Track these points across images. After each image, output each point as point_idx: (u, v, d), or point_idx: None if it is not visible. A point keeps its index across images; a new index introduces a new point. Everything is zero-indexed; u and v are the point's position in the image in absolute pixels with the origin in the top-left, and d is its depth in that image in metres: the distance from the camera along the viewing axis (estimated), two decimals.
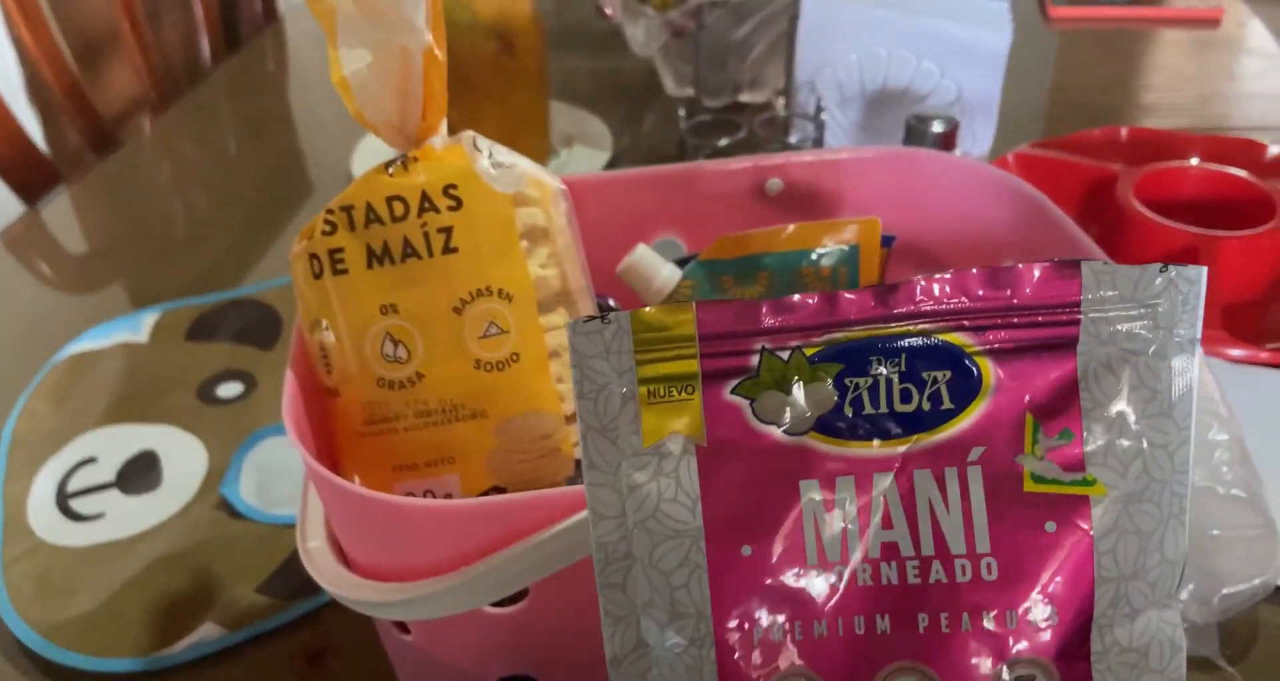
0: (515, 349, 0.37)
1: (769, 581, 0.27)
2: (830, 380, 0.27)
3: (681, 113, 0.81)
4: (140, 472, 0.57)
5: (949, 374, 0.28)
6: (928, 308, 0.28)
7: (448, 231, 0.36)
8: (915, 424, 0.28)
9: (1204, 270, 0.28)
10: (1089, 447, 0.27)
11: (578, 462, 0.38)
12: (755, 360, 0.28)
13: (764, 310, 0.28)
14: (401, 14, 0.34)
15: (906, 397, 0.28)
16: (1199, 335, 0.28)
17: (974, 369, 0.28)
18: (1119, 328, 0.27)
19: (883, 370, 0.28)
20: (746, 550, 0.27)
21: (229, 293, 0.72)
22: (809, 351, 0.28)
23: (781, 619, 0.27)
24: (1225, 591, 0.45)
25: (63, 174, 0.97)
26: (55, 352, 0.66)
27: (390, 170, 0.37)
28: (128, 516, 0.55)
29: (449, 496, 0.37)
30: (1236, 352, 0.61)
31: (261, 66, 1.12)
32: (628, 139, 0.89)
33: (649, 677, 0.28)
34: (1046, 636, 0.27)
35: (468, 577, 0.32)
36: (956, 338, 0.28)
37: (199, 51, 1.19)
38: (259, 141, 0.96)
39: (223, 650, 0.47)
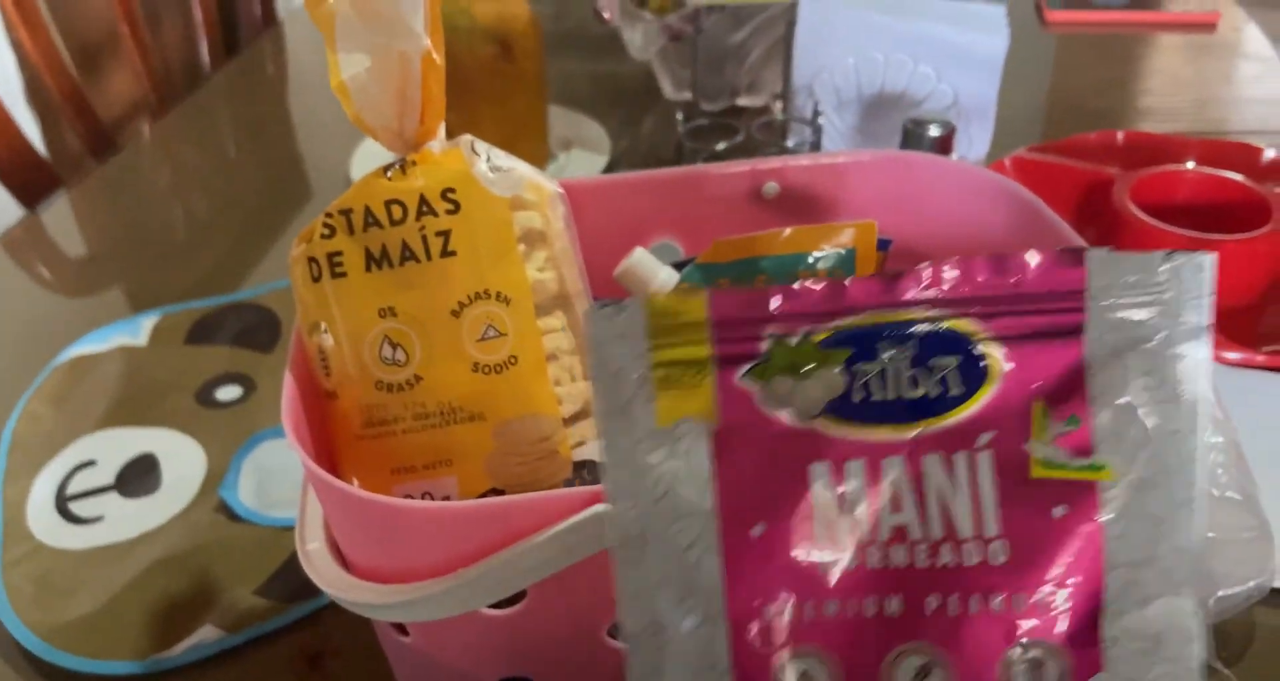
0: (513, 352, 0.37)
1: (780, 562, 0.28)
2: (840, 365, 0.28)
3: (679, 117, 0.81)
4: (139, 475, 0.57)
5: (957, 359, 0.28)
6: (935, 294, 0.28)
7: (446, 235, 0.36)
8: (924, 409, 0.28)
9: (1212, 257, 0.28)
10: (1097, 434, 0.28)
11: (576, 465, 0.38)
12: (766, 345, 0.28)
13: (774, 297, 0.28)
14: (400, 19, 0.34)
15: (915, 383, 0.28)
16: (1207, 322, 0.28)
17: (981, 355, 0.28)
18: (1126, 315, 0.28)
19: (891, 356, 0.28)
20: (758, 531, 0.28)
21: (228, 296, 0.72)
22: (818, 337, 0.28)
23: (793, 599, 0.27)
24: (1221, 594, 0.45)
25: (62, 177, 0.97)
26: (55, 355, 0.67)
27: (389, 174, 0.37)
28: (127, 519, 0.55)
29: (447, 498, 0.37)
30: (1232, 355, 0.61)
31: (260, 70, 1.13)
32: (625, 142, 0.90)
33: (665, 655, 0.28)
34: (1056, 620, 0.27)
35: (466, 579, 0.33)
36: (964, 324, 0.28)
37: (198, 55, 1.19)
38: (258, 145, 0.96)
39: (222, 652, 0.48)
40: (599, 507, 0.32)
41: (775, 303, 0.28)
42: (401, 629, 0.37)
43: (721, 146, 0.84)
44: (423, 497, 0.37)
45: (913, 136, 0.69)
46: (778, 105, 0.86)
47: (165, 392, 0.63)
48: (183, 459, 0.58)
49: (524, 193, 0.38)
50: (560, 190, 0.40)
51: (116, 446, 0.59)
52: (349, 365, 0.37)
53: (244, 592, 0.50)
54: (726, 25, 0.85)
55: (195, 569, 0.51)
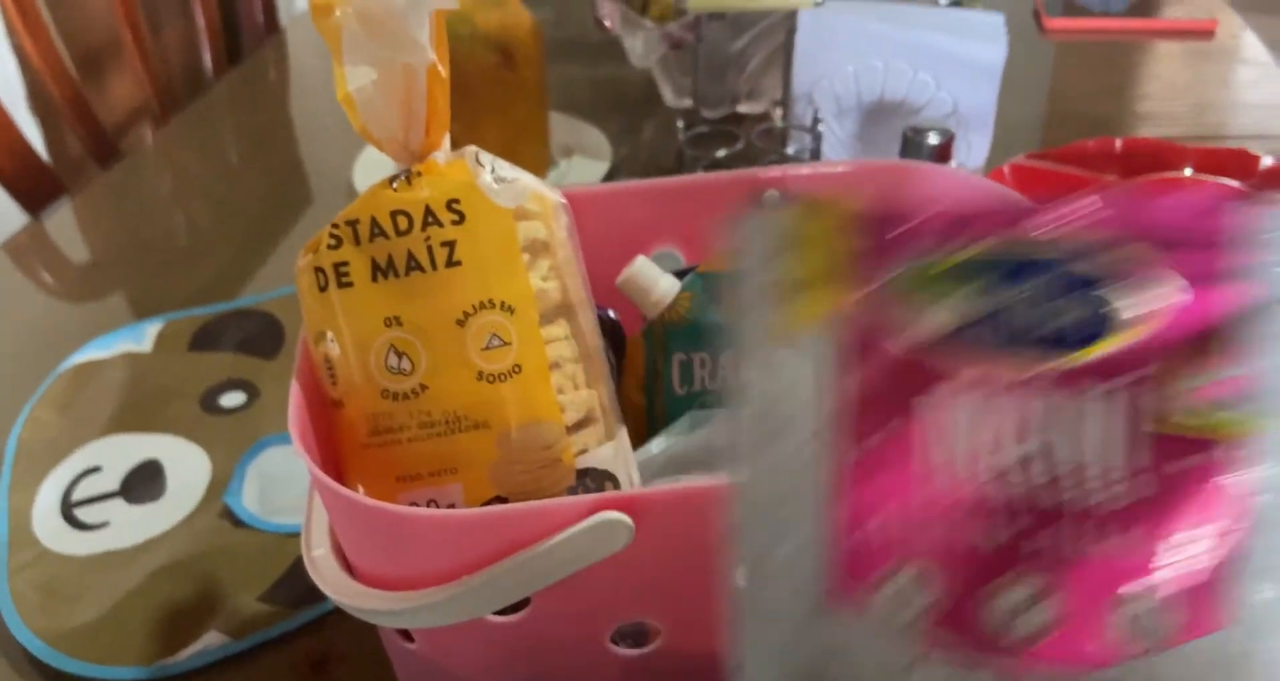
0: (517, 360, 0.37)
1: (890, 483, 0.27)
2: (975, 290, 0.27)
3: (680, 124, 0.82)
4: (144, 482, 0.58)
5: (1100, 295, 0.27)
6: (1084, 227, 0.27)
7: (451, 245, 0.37)
8: (1062, 342, 0.27)
9: None
10: (1249, 385, 0.26)
11: (579, 472, 0.39)
12: (899, 268, 0.27)
13: (914, 218, 0.27)
14: (406, 33, 0.35)
15: (1054, 316, 0.27)
16: None
17: (1128, 293, 0.27)
18: None
19: (1031, 286, 0.27)
20: (870, 446, 0.27)
21: (231, 303, 0.73)
22: (956, 260, 0.27)
23: (899, 521, 0.26)
24: None
25: (65, 184, 0.98)
26: (60, 362, 0.67)
27: (394, 185, 0.37)
28: (132, 525, 0.55)
29: (452, 506, 0.38)
30: None
31: (263, 77, 1.13)
32: (626, 149, 0.90)
33: (766, 573, 0.27)
34: (1180, 574, 0.26)
35: (470, 586, 0.33)
36: (1114, 259, 0.27)
37: (201, 61, 1.20)
38: (261, 152, 0.97)
39: (226, 658, 0.48)
40: (602, 516, 0.33)
41: (916, 221, 0.27)
42: (407, 635, 0.38)
43: (722, 153, 0.85)
44: (428, 505, 0.38)
45: (912, 144, 0.70)
46: (778, 112, 0.87)
47: (170, 399, 0.64)
48: (187, 465, 0.59)
49: (528, 203, 0.38)
50: (563, 200, 0.41)
51: (121, 453, 0.60)
52: (355, 374, 0.37)
53: (248, 598, 0.50)
54: (727, 33, 0.86)
55: (200, 575, 0.52)
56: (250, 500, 0.56)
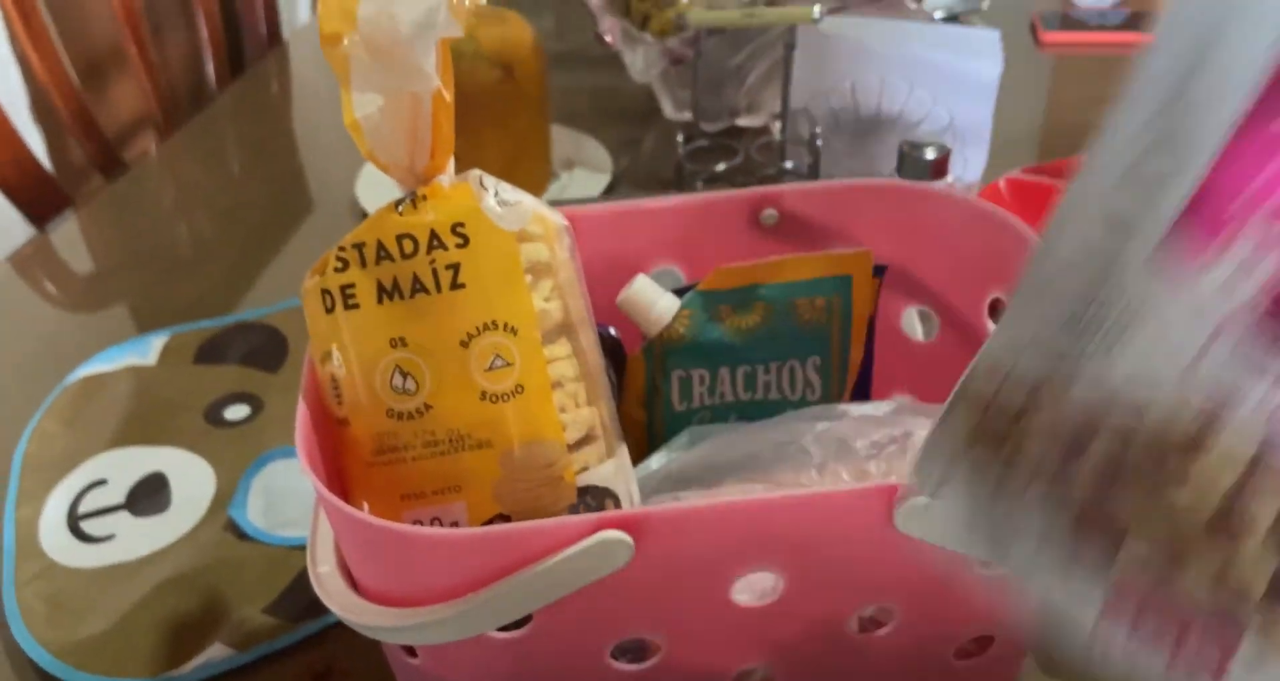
0: (519, 380, 0.38)
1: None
2: None
3: (679, 138, 0.82)
4: (150, 494, 0.58)
5: None
6: None
7: (455, 268, 0.37)
8: None
9: None
10: None
11: (580, 490, 0.39)
12: None
13: None
14: (412, 61, 0.36)
15: None
16: None
17: None
18: None
19: None
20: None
21: (236, 316, 0.73)
22: None
23: (1267, 208, 0.24)
24: None
25: (69, 195, 0.99)
26: (66, 375, 0.68)
27: (400, 209, 0.38)
28: (137, 538, 0.56)
29: (456, 524, 0.38)
30: None
31: (266, 90, 1.14)
32: (627, 162, 0.91)
33: (1123, 178, 0.25)
34: None
35: (473, 604, 0.34)
36: None
37: (204, 74, 1.21)
38: (264, 164, 0.98)
39: (231, 670, 0.49)
40: (602, 535, 0.33)
41: None
42: (411, 650, 0.38)
43: (721, 167, 0.86)
44: (432, 523, 0.38)
45: (908, 159, 0.70)
46: (777, 125, 0.88)
47: (175, 412, 0.64)
48: (192, 478, 0.60)
49: (530, 225, 0.39)
50: (565, 222, 0.41)
51: (127, 465, 0.60)
52: (360, 393, 0.38)
53: (253, 611, 0.51)
54: (726, 48, 0.87)
55: (205, 587, 0.52)
56: (255, 513, 0.57)
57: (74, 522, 0.57)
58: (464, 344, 0.38)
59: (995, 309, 0.49)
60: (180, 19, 1.27)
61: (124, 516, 0.57)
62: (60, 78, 1.00)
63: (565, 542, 0.33)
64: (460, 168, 0.40)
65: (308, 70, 1.17)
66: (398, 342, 0.38)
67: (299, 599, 0.51)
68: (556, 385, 0.39)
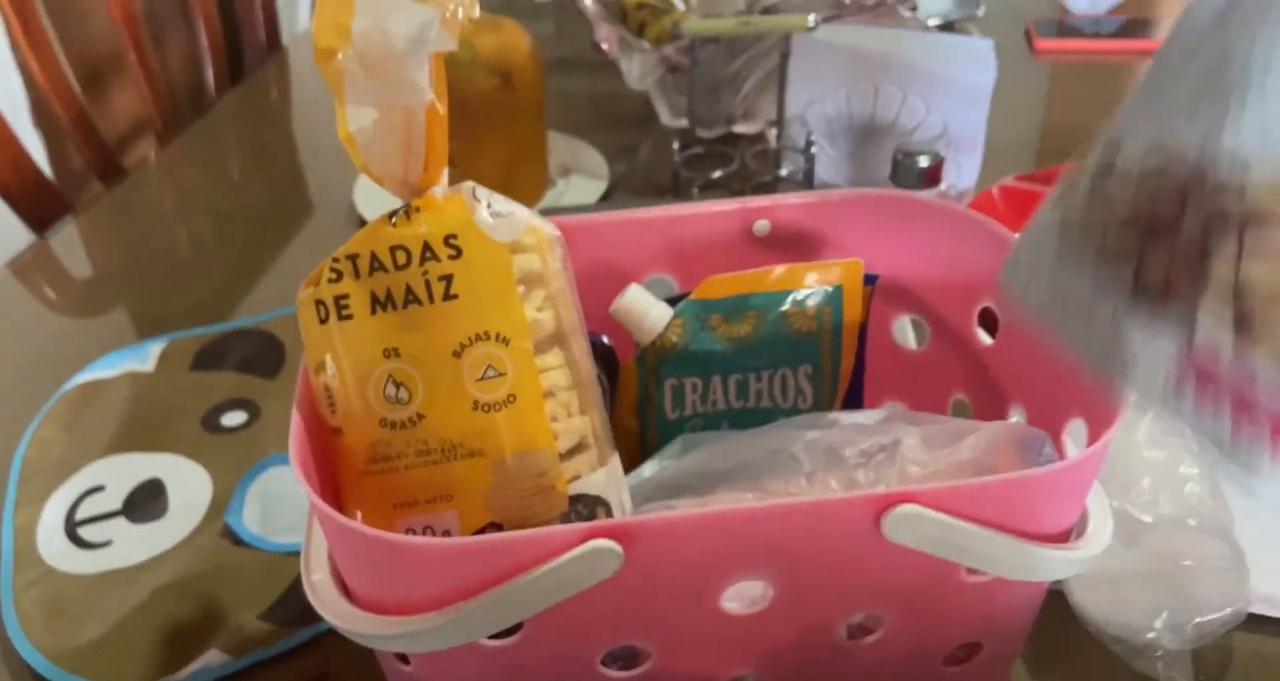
0: (511, 390, 0.39)
1: None
2: None
3: (675, 145, 0.83)
4: (147, 501, 0.59)
5: None
6: None
7: (448, 279, 0.38)
8: None
9: None
10: None
11: (571, 499, 0.40)
12: None
13: None
14: (406, 75, 0.36)
15: None
16: None
17: None
18: None
19: None
20: None
21: (233, 322, 0.74)
22: None
23: None
24: (1198, 620, 0.47)
25: (69, 201, 0.99)
26: (64, 381, 0.68)
27: (394, 221, 0.38)
28: (134, 544, 0.56)
29: (448, 532, 0.39)
30: None
31: (265, 96, 1.15)
32: (623, 168, 0.91)
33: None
34: None
35: (465, 612, 0.34)
36: None
37: (203, 79, 1.21)
38: (263, 170, 0.98)
39: (226, 676, 0.49)
40: (592, 544, 0.34)
41: None
42: (403, 658, 0.39)
43: (717, 174, 0.86)
44: (424, 531, 0.39)
45: (902, 167, 0.71)
46: (773, 132, 0.88)
47: (172, 418, 0.65)
48: (189, 484, 0.60)
49: (523, 236, 0.40)
50: (558, 233, 0.42)
51: (124, 472, 0.61)
52: (354, 403, 0.39)
53: (249, 617, 0.51)
54: (722, 56, 0.87)
55: (201, 593, 0.53)
56: (251, 519, 0.57)
57: (71, 528, 0.57)
58: (456, 354, 0.38)
59: (985, 318, 0.49)
60: (180, 25, 1.27)
61: (121, 522, 0.58)
62: (60, 84, 1.00)
63: (555, 552, 0.34)
64: (459, 174, 0.40)
65: (307, 77, 1.17)
66: (391, 353, 0.38)
67: (294, 605, 0.51)
68: (549, 394, 0.40)
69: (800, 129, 0.81)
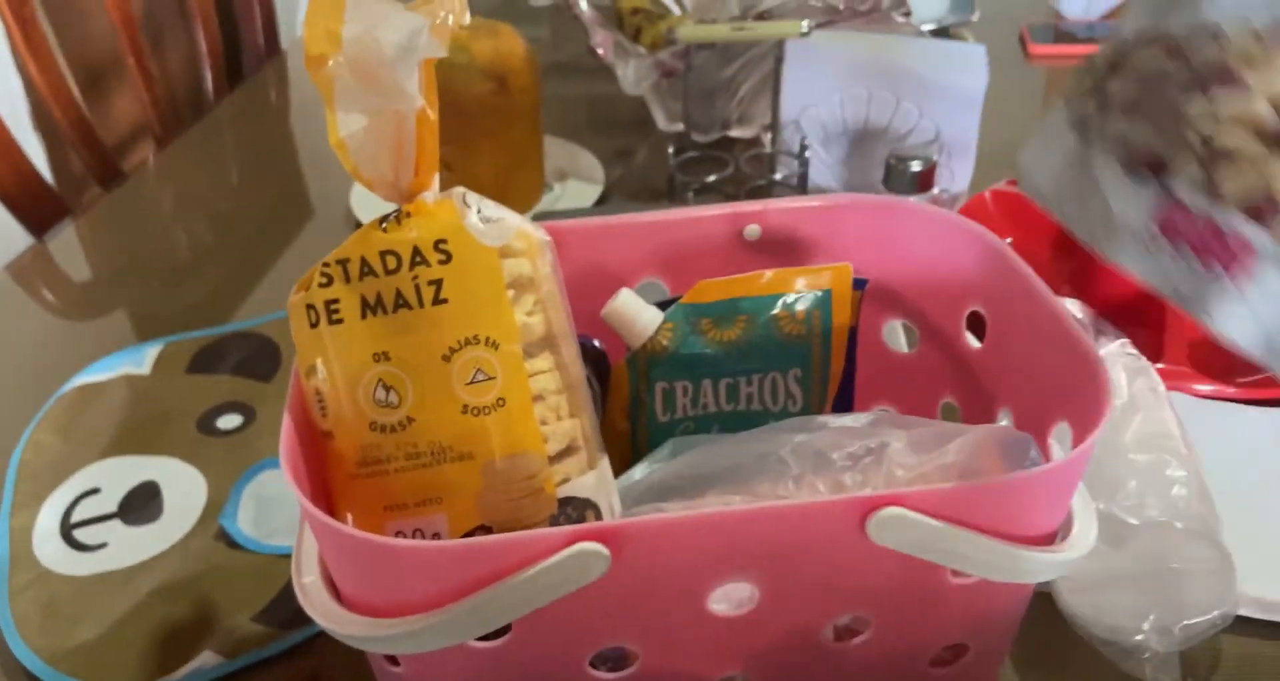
0: (501, 394, 0.39)
1: None
2: None
3: (671, 150, 0.83)
4: (142, 503, 0.59)
5: None
6: None
7: (438, 284, 0.38)
8: None
9: None
10: None
11: (560, 501, 0.40)
12: None
13: None
14: (395, 82, 0.36)
15: None
16: None
17: None
18: None
19: None
20: None
21: (229, 326, 0.74)
22: None
23: None
24: (1186, 622, 0.47)
25: (68, 205, 0.99)
26: (61, 383, 0.68)
27: (384, 226, 0.39)
28: (130, 546, 0.56)
29: (437, 535, 0.39)
30: (1204, 388, 0.63)
31: (264, 99, 1.15)
32: (619, 173, 0.92)
33: None
34: None
35: (452, 614, 0.34)
36: None
37: (202, 83, 1.22)
38: (261, 173, 0.99)
39: (220, 677, 0.49)
40: (578, 547, 0.34)
41: None
42: (393, 660, 0.39)
43: (712, 178, 0.86)
44: (414, 534, 0.39)
45: (895, 172, 0.71)
46: (768, 136, 0.89)
47: (168, 421, 0.65)
48: (184, 487, 0.60)
49: (513, 241, 0.40)
50: (548, 238, 0.42)
51: (120, 475, 0.61)
52: (344, 406, 0.39)
53: (242, 619, 0.51)
54: (717, 61, 0.87)
55: (195, 596, 0.53)
56: (245, 522, 0.57)
57: (67, 531, 0.58)
58: (446, 358, 0.38)
59: (973, 321, 0.50)
60: (179, 29, 1.28)
61: (117, 525, 0.58)
62: (59, 88, 1.01)
63: (542, 554, 0.34)
64: (455, 179, 0.40)
65: (305, 81, 1.17)
66: (381, 357, 0.38)
67: (288, 607, 0.52)
68: (539, 398, 0.40)
69: (794, 134, 0.81)
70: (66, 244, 0.88)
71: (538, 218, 0.43)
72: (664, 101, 0.95)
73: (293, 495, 0.36)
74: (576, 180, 0.90)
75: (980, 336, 0.49)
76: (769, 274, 0.48)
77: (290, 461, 0.37)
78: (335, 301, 0.38)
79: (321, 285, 0.39)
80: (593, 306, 0.47)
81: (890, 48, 0.79)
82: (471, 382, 0.39)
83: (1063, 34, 1.13)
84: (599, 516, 0.41)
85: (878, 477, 0.41)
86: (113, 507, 0.59)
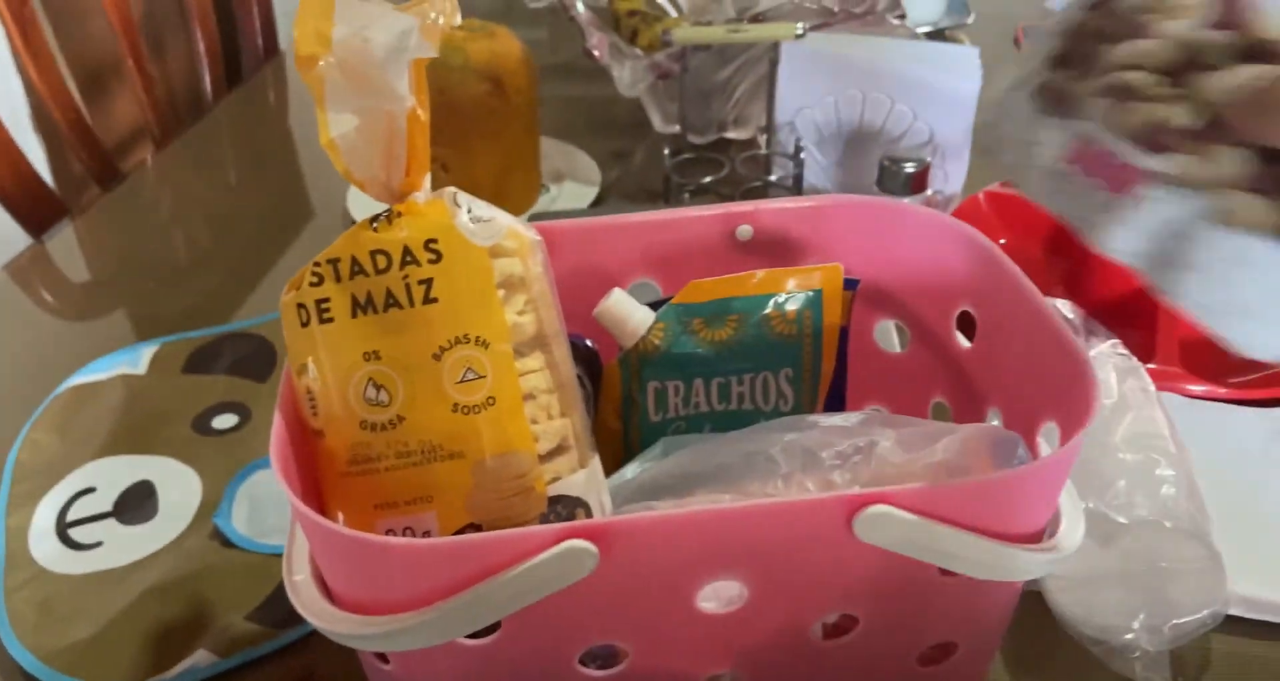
0: (491, 393, 0.39)
1: None
2: None
3: (666, 151, 0.83)
4: (137, 503, 0.59)
5: None
6: None
7: (428, 283, 0.38)
8: None
9: None
10: None
11: (550, 500, 0.40)
12: None
13: None
14: (386, 82, 0.37)
15: None
16: None
17: None
18: None
19: None
20: None
21: (225, 326, 0.74)
22: None
23: None
24: (1175, 621, 0.47)
25: (67, 206, 1.00)
26: (58, 383, 0.69)
27: (375, 225, 0.39)
28: (125, 545, 0.57)
29: (428, 533, 0.39)
30: (1197, 388, 0.63)
31: (262, 100, 1.15)
32: (616, 174, 0.92)
33: None
34: None
35: (442, 612, 0.34)
36: None
37: (201, 84, 1.22)
38: (259, 174, 0.99)
39: (215, 676, 0.49)
40: (567, 544, 0.34)
41: None
42: (383, 657, 0.39)
43: (707, 180, 0.87)
44: (404, 532, 0.39)
45: (889, 173, 0.72)
46: (763, 138, 0.89)
47: (163, 421, 0.65)
48: (179, 486, 0.60)
49: (504, 241, 0.40)
50: (539, 237, 0.42)
51: (115, 474, 0.61)
52: (335, 405, 0.39)
53: (236, 618, 0.52)
54: (712, 63, 0.88)
55: (190, 594, 0.53)
56: (239, 521, 0.58)
57: (63, 530, 0.58)
58: (436, 357, 0.39)
59: (964, 321, 0.50)
60: (178, 31, 1.28)
61: (112, 524, 0.58)
62: (59, 89, 1.01)
63: (531, 552, 0.34)
64: (452, 179, 0.41)
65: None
66: (371, 356, 0.39)
67: (282, 606, 0.52)
68: (529, 397, 0.40)
69: (790, 135, 0.82)
70: (65, 244, 0.89)
71: (534, 219, 0.43)
72: (660, 103, 0.95)
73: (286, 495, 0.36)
74: (573, 181, 0.90)
75: (971, 336, 0.50)
76: (760, 274, 0.48)
77: (281, 460, 0.37)
78: (326, 300, 0.39)
79: (312, 284, 0.39)
80: (585, 306, 0.48)
81: (885, 50, 0.80)
82: (462, 381, 0.39)
83: None
84: (589, 515, 0.41)
85: (866, 476, 0.41)
86: (108, 507, 0.59)
